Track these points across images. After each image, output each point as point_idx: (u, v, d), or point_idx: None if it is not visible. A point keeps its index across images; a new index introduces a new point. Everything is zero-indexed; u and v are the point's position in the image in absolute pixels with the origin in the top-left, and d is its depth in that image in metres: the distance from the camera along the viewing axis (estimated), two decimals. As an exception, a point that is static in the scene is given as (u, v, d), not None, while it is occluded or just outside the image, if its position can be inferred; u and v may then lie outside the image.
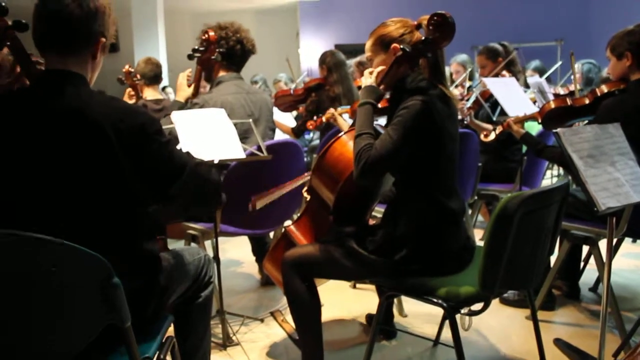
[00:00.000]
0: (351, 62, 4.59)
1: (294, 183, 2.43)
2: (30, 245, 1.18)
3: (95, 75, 1.63)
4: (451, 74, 4.86)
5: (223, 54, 2.90)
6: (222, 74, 3.00)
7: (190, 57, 2.89)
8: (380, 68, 2.02)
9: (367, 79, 2.03)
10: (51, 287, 1.21)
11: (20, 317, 1.24)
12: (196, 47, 2.87)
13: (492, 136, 3.34)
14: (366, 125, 1.94)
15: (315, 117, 4.26)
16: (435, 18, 1.81)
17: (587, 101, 2.78)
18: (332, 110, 3.35)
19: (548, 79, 5.03)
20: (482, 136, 3.42)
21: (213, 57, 2.87)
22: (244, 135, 2.71)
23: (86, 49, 1.53)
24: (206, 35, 2.85)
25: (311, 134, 5.65)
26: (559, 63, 5.91)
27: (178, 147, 1.65)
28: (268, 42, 8.22)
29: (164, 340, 1.60)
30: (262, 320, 2.92)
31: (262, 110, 3.03)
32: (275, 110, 4.61)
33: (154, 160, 1.51)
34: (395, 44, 1.97)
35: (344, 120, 3.29)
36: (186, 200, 1.63)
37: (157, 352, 1.53)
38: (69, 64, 1.51)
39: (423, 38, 1.86)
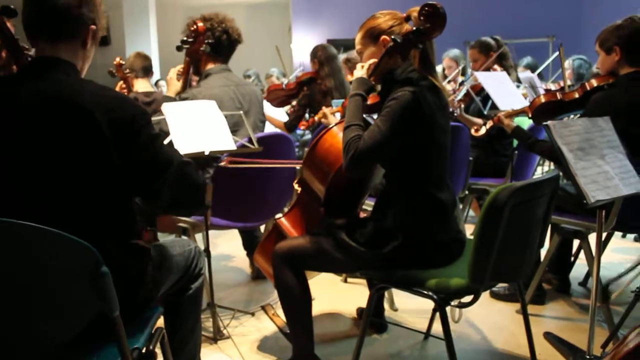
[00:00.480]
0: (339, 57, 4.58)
1: (281, 163, 2.43)
2: (17, 232, 1.17)
3: (87, 67, 1.61)
4: (443, 69, 4.86)
5: (211, 44, 2.89)
6: (210, 66, 2.98)
7: (179, 48, 2.88)
8: (371, 60, 2.02)
9: (359, 71, 2.04)
10: (39, 275, 1.21)
11: (7, 305, 1.23)
12: (185, 39, 2.86)
13: (483, 131, 3.34)
14: (355, 117, 1.94)
15: (307, 117, 4.27)
16: (426, 8, 1.80)
17: (576, 95, 2.79)
18: (324, 109, 3.35)
19: (540, 75, 5.04)
20: (472, 131, 3.43)
21: (202, 49, 2.86)
22: (234, 128, 2.69)
23: (76, 36, 1.52)
24: (195, 26, 2.83)
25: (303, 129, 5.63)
26: (552, 57, 5.90)
27: (167, 139, 1.64)
28: (260, 37, 8.21)
29: (153, 332, 1.59)
30: (252, 314, 2.91)
31: (252, 102, 3.01)
32: (268, 105, 4.60)
33: (142, 153, 1.49)
34: (384, 36, 1.97)
35: (335, 119, 3.28)
36: (169, 198, 1.57)
37: (147, 343, 1.53)
38: (59, 51, 1.49)
39: (414, 28, 1.85)
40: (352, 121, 1.93)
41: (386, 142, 1.85)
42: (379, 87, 2.08)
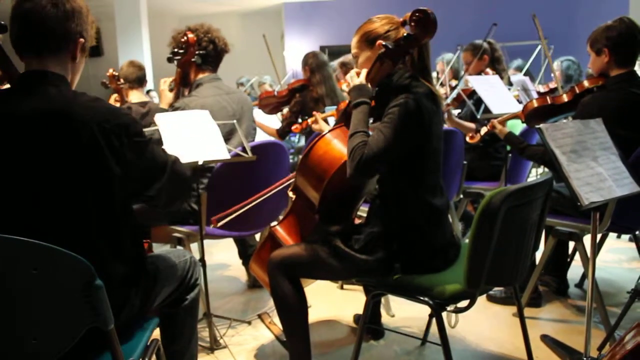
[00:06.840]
0: (334, 64, 4.59)
1: (275, 188, 2.41)
2: (10, 247, 1.17)
3: (77, 78, 1.61)
4: (437, 73, 4.87)
5: (201, 55, 2.88)
6: (200, 76, 2.96)
7: (169, 60, 2.87)
8: (364, 70, 2.01)
9: (355, 78, 2.00)
10: (32, 290, 1.20)
11: (1, 319, 1.22)
12: (175, 50, 2.85)
13: (478, 137, 3.35)
14: (361, 125, 1.93)
15: (300, 120, 4.26)
16: (416, 14, 1.81)
17: (566, 99, 2.80)
18: (316, 114, 3.32)
19: (531, 77, 5.06)
20: (467, 138, 3.43)
21: (193, 60, 2.85)
22: (227, 137, 2.69)
23: (64, 50, 1.51)
24: (185, 38, 2.82)
25: (297, 135, 5.64)
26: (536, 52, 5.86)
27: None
28: (253, 45, 8.20)
29: (149, 343, 1.58)
30: (249, 323, 2.90)
31: (244, 110, 3.00)
32: (260, 112, 4.60)
33: (139, 159, 1.52)
34: (380, 41, 1.96)
35: (326, 125, 3.27)
36: (167, 196, 1.65)
37: (142, 355, 1.52)
38: (48, 65, 1.49)
39: (405, 34, 1.86)
40: (358, 128, 1.91)
41: (390, 147, 1.85)
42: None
